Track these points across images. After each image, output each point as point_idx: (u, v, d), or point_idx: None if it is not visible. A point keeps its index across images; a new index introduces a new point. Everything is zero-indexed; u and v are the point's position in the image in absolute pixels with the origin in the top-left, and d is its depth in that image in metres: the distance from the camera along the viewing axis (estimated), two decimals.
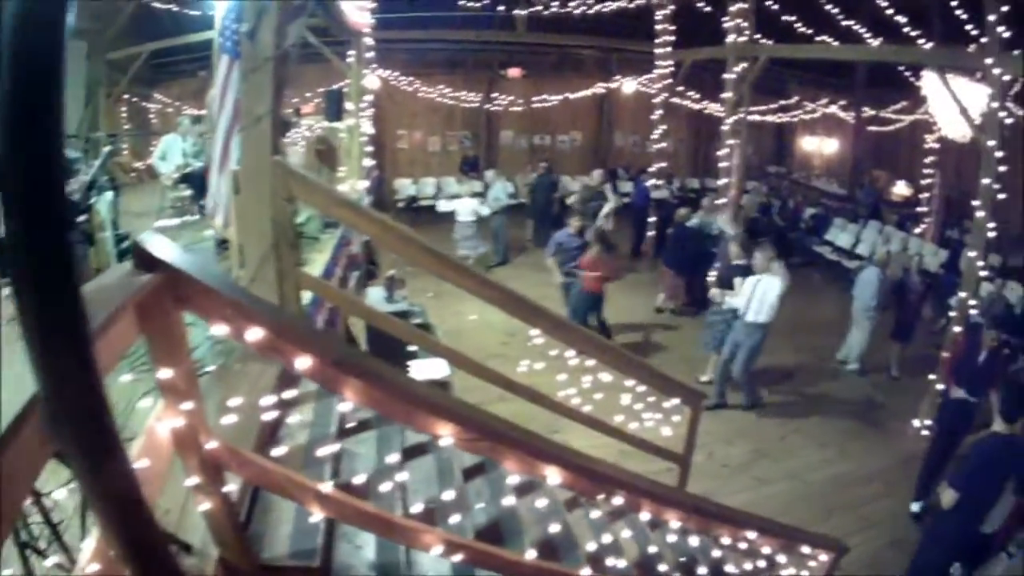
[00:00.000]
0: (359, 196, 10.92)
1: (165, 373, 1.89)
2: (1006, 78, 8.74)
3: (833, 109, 21.99)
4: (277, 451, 3.13)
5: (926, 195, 18.79)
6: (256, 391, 3.08)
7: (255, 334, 1.97)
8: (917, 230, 18.16)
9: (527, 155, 19.89)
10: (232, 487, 2.33)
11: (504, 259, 14.76)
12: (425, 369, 6.22)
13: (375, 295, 6.10)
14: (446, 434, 2.44)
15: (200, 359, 3.51)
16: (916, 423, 9.63)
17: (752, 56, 13.01)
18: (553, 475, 2.83)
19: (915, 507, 7.70)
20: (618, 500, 3.12)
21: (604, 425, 4.99)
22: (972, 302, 9.26)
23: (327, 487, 2.41)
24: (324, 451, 2.98)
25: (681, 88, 17.50)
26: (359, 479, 2.88)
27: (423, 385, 2.54)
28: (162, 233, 5.56)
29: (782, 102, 21.89)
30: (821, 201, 19.74)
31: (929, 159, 18.59)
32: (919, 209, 19.20)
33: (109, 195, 6.70)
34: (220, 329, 1.98)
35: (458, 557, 2.70)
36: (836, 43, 13.00)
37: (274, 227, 3.95)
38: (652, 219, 15.94)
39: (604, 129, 21.32)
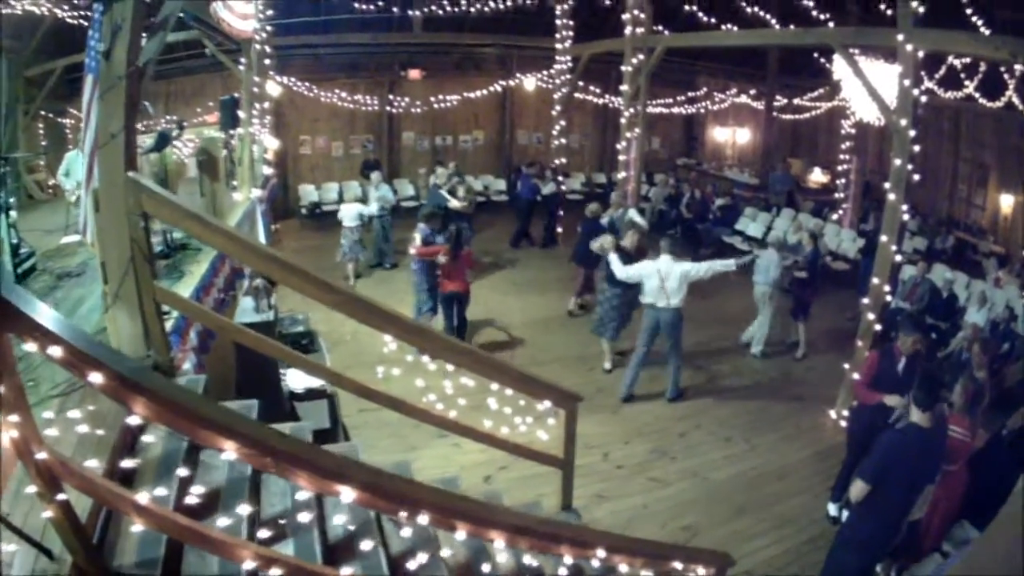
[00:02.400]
0: (251, 204, 11.02)
1: None
2: (920, 55, 8.57)
3: (744, 99, 22.57)
4: (129, 462, 3.36)
5: (842, 181, 19.38)
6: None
7: (56, 351, 2.21)
8: (835, 216, 18.76)
9: (429, 156, 20.15)
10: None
11: (393, 263, 14.99)
12: (301, 376, 6.36)
13: (246, 305, 6.22)
14: (229, 449, 2.52)
15: None
16: (833, 414, 9.60)
17: (649, 47, 13.27)
18: (346, 493, 2.77)
19: (832, 509, 7.52)
20: (423, 519, 3.03)
21: (474, 432, 4.93)
22: (886, 288, 9.17)
23: (143, 498, 2.60)
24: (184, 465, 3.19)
25: (582, 83, 17.94)
26: (195, 492, 3.08)
27: (206, 404, 2.61)
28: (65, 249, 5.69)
29: (690, 94, 22.47)
30: (733, 191, 20.20)
31: (846, 144, 19.15)
32: (837, 195, 19.76)
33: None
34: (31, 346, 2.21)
35: (275, 572, 2.83)
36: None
37: (131, 243, 4.13)
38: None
39: (506, 128, 21.59)
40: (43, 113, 14.81)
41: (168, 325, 4.86)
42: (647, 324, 9.62)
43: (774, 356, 11.56)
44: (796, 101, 21.72)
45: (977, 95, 16.36)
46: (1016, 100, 15.49)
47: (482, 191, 19.44)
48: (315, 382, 6.37)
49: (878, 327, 9.18)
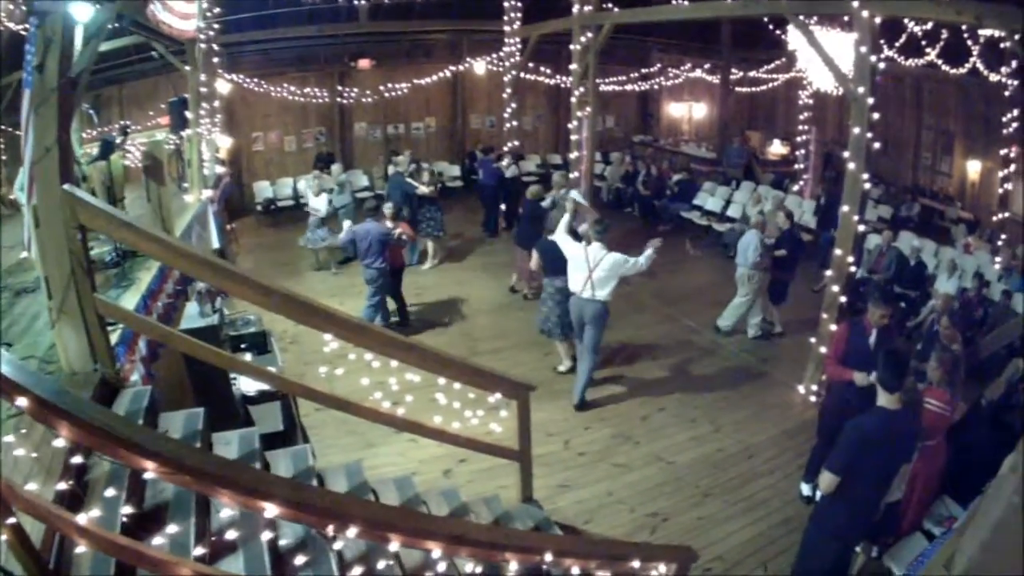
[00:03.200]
0: (202, 205, 11.04)
1: None
2: (877, 21, 8.35)
3: (699, 73, 22.76)
4: (79, 482, 3.44)
5: (802, 152, 19.60)
6: None
7: None
8: (795, 187, 18.92)
9: (382, 146, 20.21)
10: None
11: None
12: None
13: (191, 310, 6.25)
14: (149, 468, 2.58)
15: None
16: (802, 389, 9.50)
17: (597, 25, 13.28)
18: (269, 509, 2.78)
19: (806, 489, 7.38)
20: (352, 533, 2.99)
21: (423, 428, 5.03)
22: (849, 259, 8.96)
23: (82, 519, 2.67)
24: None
25: (533, 64, 18.09)
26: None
27: (123, 424, 2.66)
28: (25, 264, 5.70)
29: (644, 70, 22.59)
30: (690, 166, 20.28)
31: (804, 115, 19.34)
32: (797, 167, 20.00)
33: None
34: None
35: None
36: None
37: (70, 256, 4.20)
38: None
39: (458, 113, 21.60)
40: (1, 127, 14.70)
41: (115, 336, 4.94)
42: (572, 316, 9.13)
43: (736, 334, 11.42)
44: (753, 74, 21.89)
45: (939, 62, 16.63)
46: (980, 66, 15.73)
47: (439, 174, 19.37)
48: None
49: (843, 299, 9.02)
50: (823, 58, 9.06)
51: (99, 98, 16.58)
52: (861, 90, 8.44)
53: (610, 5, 14.12)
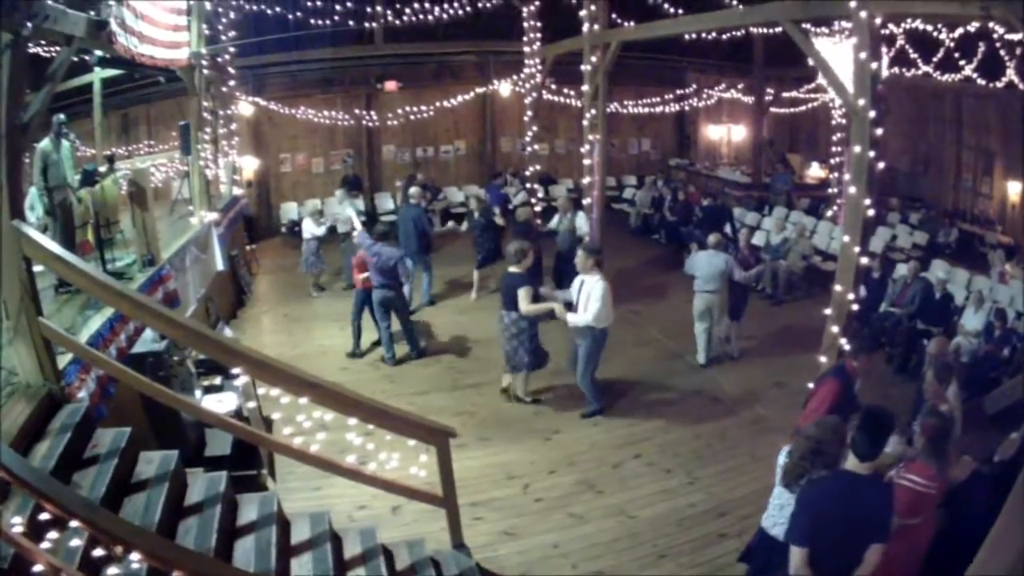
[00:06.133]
0: (202, 228, 11.61)
1: None
2: (877, 21, 7.88)
3: (733, 94, 22.94)
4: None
5: (835, 175, 19.22)
6: None
7: None
8: (829, 212, 18.62)
9: (411, 169, 20.51)
10: None
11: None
12: (213, 403, 6.72)
13: (147, 335, 6.71)
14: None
15: None
16: None
17: (605, 44, 13.30)
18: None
19: None
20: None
21: (339, 468, 5.21)
22: (850, 296, 8.40)
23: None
24: None
25: (556, 86, 18.61)
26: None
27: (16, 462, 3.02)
28: None
29: (679, 91, 22.88)
30: (724, 191, 20.39)
31: (838, 136, 18.76)
32: (830, 191, 19.70)
33: None
34: None
35: None
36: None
37: (19, 285, 4.76)
38: None
39: (488, 136, 22.04)
40: None
41: (69, 356, 5.46)
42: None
43: (732, 371, 11.01)
44: (793, 94, 21.96)
45: (975, 76, 16.64)
46: (1016, 79, 15.71)
47: (463, 202, 19.84)
48: (225, 408, 6.67)
49: (843, 341, 8.24)
50: (820, 66, 8.77)
51: (127, 117, 17.47)
52: (862, 102, 7.95)
53: (625, 23, 14.22)
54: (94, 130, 14.23)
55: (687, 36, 17.04)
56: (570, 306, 9.20)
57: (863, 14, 7.76)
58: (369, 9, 17.83)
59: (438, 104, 20.14)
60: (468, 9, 16.77)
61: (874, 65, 7.83)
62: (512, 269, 9.35)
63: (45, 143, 8.31)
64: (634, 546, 6.96)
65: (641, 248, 18.13)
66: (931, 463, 5.20)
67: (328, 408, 4.97)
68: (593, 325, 8.92)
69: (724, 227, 16.66)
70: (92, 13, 6.62)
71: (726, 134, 24.92)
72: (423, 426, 5.24)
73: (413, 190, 13.86)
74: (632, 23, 13.77)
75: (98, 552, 3.41)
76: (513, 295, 9.12)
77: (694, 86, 23.12)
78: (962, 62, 16.64)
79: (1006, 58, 15.61)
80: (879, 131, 7.97)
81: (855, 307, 8.53)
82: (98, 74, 13.24)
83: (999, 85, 16.28)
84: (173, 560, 3.24)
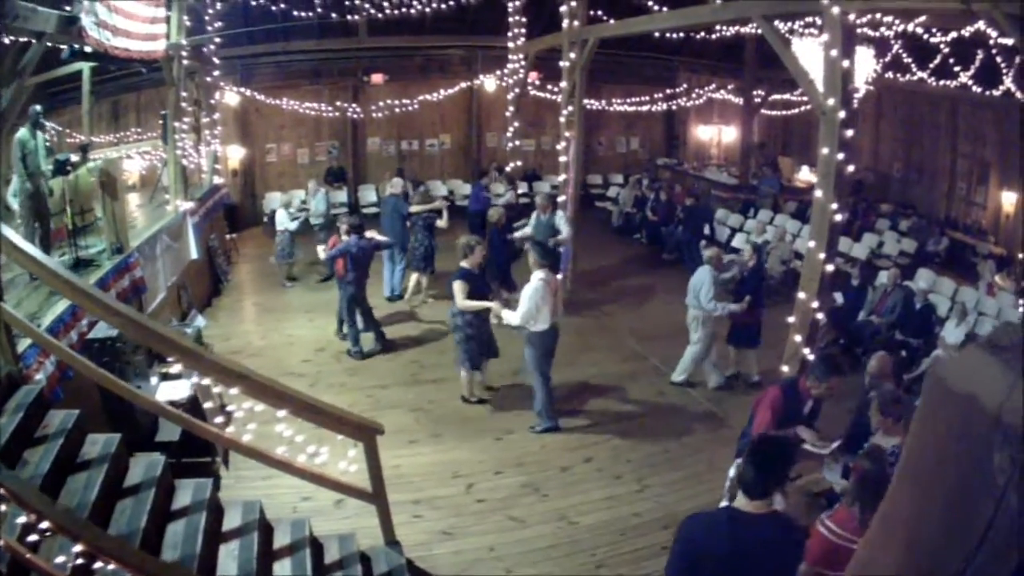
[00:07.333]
0: (176, 217, 11.78)
1: None
2: (850, 18, 7.60)
3: (723, 95, 23.05)
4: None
5: None
6: None
7: None
8: None
9: (396, 162, 20.71)
10: None
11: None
12: (168, 390, 6.77)
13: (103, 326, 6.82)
14: None
15: None
16: None
17: (583, 40, 13.33)
18: None
19: None
20: None
21: (268, 459, 5.26)
22: (814, 304, 8.14)
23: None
24: None
25: (539, 82, 18.75)
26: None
27: None
28: None
29: (670, 91, 23.00)
30: (710, 192, 20.50)
31: None
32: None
33: None
34: None
35: None
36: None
37: None
38: None
39: (473, 131, 22.16)
40: None
41: (29, 340, 5.63)
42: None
43: (699, 385, 10.53)
44: (786, 96, 21.89)
45: (971, 83, 16.69)
46: (1013, 87, 15.68)
47: (448, 196, 19.72)
48: (178, 395, 6.68)
49: (806, 351, 8.18)
50: (791, 66, 8.52)
51: (117, 104, 17.61)
52: (831, 102, 7.66)
53: (607, 18, 14.20)
54: (83, 117, 14.37)
55: (678, 35, 17.08)
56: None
57: (835, 10, 7.54)
58: (352, 2, 17.92)
59: (424, 98, 20.36)
60: (454, 3, 16.81)
61: (846, 64, 7.60)
62: (461, 264, 9.31)
63: (23, 132, 8.43)
64: (572, 553, 6.87)
65: (621, 247, 18.21)
66: (854, 511, 4.52)
67: (258, 400, 5.10)
68: (522, 326, 8.70)
69: (704, 228, 17.05)
70: (67, 8, 6.80)
71: (716, 135, 24.95)
72: (350, 422, 5.30)
73: (395, 180, 14.08)
74: (612, 20, 13.76)
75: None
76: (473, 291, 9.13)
77: (684, 86, 23.23)
78: (958, 68, 16.71)
79: (1003, 66, 15.65)
80: (849, 133, 7.73)
81: (820, 316, 8.30)
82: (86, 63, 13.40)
83: (996, 93, 16.31)
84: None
